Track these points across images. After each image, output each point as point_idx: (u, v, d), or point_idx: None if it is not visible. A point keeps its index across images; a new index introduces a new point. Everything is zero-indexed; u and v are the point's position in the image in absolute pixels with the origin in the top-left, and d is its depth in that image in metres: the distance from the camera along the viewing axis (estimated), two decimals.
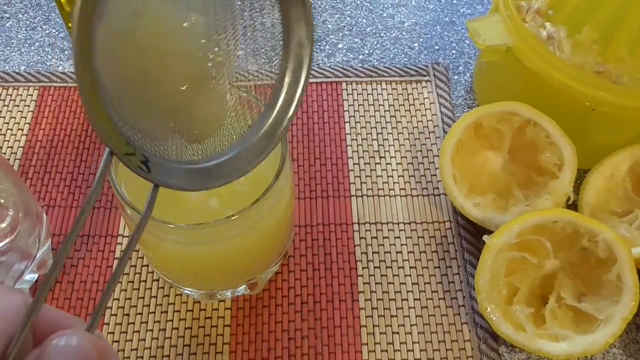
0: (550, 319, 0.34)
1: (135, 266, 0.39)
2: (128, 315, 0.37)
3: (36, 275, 0.37)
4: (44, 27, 0.50)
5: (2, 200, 0.36)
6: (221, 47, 0.26)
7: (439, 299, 0.38)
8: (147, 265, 0.39)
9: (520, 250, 0.36)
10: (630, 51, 0.37)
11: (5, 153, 0.44)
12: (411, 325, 0.37)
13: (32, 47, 0.49)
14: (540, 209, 0.38)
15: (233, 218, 0.29)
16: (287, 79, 0.28)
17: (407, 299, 0.38)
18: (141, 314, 0.37)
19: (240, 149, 0.27)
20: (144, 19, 0.23)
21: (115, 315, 0.37)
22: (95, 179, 0.22)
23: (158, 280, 0.39)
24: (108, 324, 0.37)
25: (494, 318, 0.34)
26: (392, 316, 0.38)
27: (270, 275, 0.38)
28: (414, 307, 0.38)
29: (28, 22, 0.51)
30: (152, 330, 0.37)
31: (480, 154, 0.41)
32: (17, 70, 0.47)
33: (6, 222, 0.35)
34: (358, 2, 0.53)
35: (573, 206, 0.39)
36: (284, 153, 0.31)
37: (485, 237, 0.36)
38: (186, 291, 0.37)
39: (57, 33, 0.50)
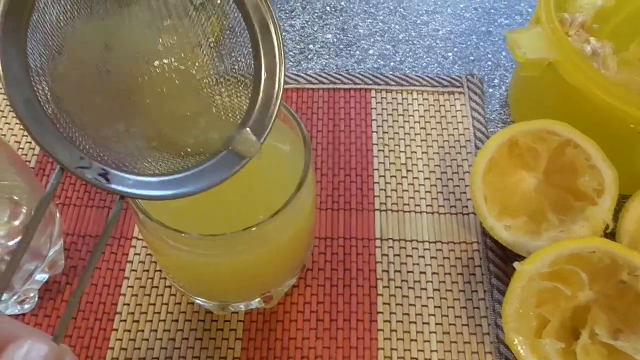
0: (582, 356, 0.32)
1: (147, 271, 0.38)
2: (138, 322, 0.36)
3: (47, 276, 0.36)
4: None
5: (17, 197, 0.35)
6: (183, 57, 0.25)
7: (462, 325, 0.36)
8: (160, 271, 0.38)
9: (553, 280, 0.33)
10: None
11: (23, 148, 0.43)
12: (431, 351, 0.35)
13: None
14: (575, 236, 0.35)
15: (250, 230, 0.28)
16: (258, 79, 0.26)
17: (428, 323, 0.36)
18: (151, 321, 0.36)
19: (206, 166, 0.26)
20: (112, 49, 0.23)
21: (125, 321, 0.36)
22: (46, 192, 0.22)
23: (170, 287, 0.37)
24: (117, 329, 0.36)
25: (522, 351, 0.32)
26: (411, 340, 0.36)
27: (286, 289, 0.37)
28: (435, 332, 0.36)
29: None
30: (161, 339, 0.36)
31: (514, 174, 0.39)
32: None
33: (19, 219, 0.34)
34: (392, 7, 0.51)
35: (611, 234, 0.37)
36: (307, 162, 0.30)
37: (515, 264, 0.34)
38: (198, 301, 0.36)
39: None
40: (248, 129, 0.26)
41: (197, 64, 0.25)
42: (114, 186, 0.24)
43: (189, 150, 0.26)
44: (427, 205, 0.41)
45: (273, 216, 0.28)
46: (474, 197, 0.37)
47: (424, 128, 0.44)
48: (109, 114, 0.24)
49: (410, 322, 0.36)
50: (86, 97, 0.24)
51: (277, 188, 0.30)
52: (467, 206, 0.40)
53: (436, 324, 0.36)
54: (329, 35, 0.49)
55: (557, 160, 0.37)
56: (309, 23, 0.50)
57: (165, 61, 0.25)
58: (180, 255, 0.31)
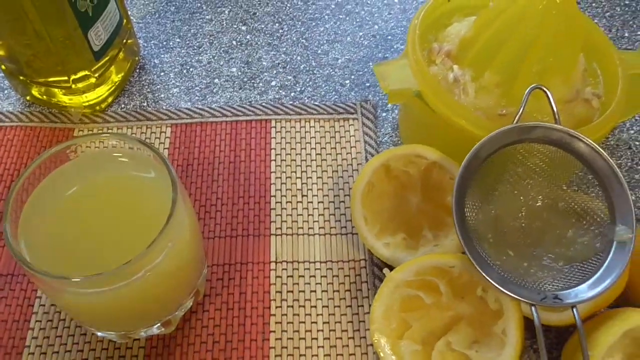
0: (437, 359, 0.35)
1: (54, 305, 0.40)
2: (45, 354, 0.39)
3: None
4: None
5: None
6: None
7: (349, 338, 0.39)
8: None
9: (416, 288, 0.36)
10: (531, 94, 0.38)
11: None
12: None
13: None
14: (446, 250, 0.39)
15: (125, 267, 0.30)
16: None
17: (316, 338, 0.39)
18: (58, 352, 0.39)
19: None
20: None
21: (33, 354, 0.39)
22: None
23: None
24: None
25: (381, 348, 0.35)
26: (301, 355, 0.39)
27: (182, 313, 0.39)
28: (322, 347, 0.39)
29: None
30: None
31: (395, 195, 0.42)
32: None
33: None
34: (294, 38, 0.54)
35: None
36: (175, 199, 0.32)
37: (385, 270, 0.37)
38: (99, 334, 0.39)
39: None
40: (620, 225, 0.35)
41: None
42: (565, 302, 0.33)
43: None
44: (319, 228, 0.44)
45: (144, 251, 0.31)
46: (354, 219, 0.40)
47: (320, 154, 0.47)
48: (523, 253, 0.36)
49: (300, 339, 0.39)
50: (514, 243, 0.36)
51: (153, 223, 0.33)
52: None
53: (324, 338, 0.39)
54: (234, 69, 0.52)
55: (428, 181, 0.41)
56: (216, 58, 0.53)
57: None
58: (68, 297, 0.33)
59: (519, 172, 0.38)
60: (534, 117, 0.38)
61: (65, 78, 0.45)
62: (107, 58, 0.47)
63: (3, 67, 0.47)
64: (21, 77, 0.47)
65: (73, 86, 0.46)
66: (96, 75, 0.46)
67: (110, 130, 0.48)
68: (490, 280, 0.33)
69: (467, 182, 0.35)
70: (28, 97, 0.49)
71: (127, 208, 0.35)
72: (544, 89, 0.36)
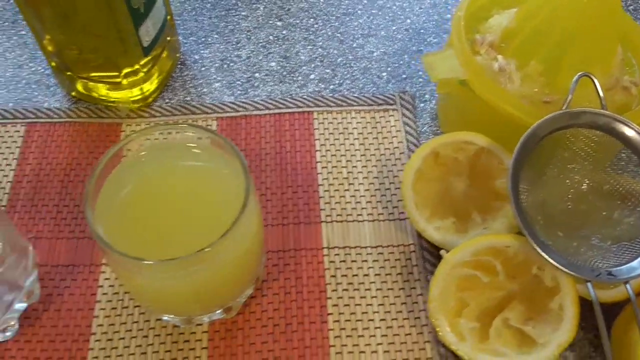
0: (494, 336, 0.37)
1: (117, 293, 0.41)
2: (111, 340, 0.40)
3: (25, 305, 0.40)
4: (30, 64, 0.53)
5: None
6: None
7: (404, 319, 0.41)
8: (129, 292, 0.42)
9: (473, 268, 0.38)
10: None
11: None
12: (377, 344, 0.40)
13: (19, 85, 0.52)
14: (496, 232, 0.40)
15: (202, 252, 0.32)
16: None
17: (373, 320, 0.41)
18: (124, 338, 0.40)
19: None
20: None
21: (100, 340, 0.40)
22: None
23: (139, 306, 0.41)
24: (92, 349, 0.39)
25: (440, 326, 0.37)
26: (359, 336, 0.40)
27: (244, 299, 0.41)
28: (380, 327, 0.40)
29: (15, 61, 0.53)
30: (134, 354, 0.39)
31: (443, 180, 0.43)
32: (4, 107, 0.50)
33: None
34: (330, 33, 0.56)
35: None
36: (248, 188, 0.34)
37: (442, 252, 0.39)
38: (164, 318, 0.40)
39: (42, 70, 0.53)
40: None
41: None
42: (619, 278, 0.35)
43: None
44: (368, 214, 0.45)
45: (221, 237, 0.32)
46: (405, 204, 0.42)
47: (363, 144, 0.49)
48: (572, 234, 0.38)
49: (357, 320, 0.41)
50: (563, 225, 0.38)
51: (224, 210, 0.34)
52: (403, 212, 0.45)
53: (380, 319, 0.41)
54: (273, 64, 0.53)
55: (477, 166, 0.42)
56: (254, 53, 0.54)
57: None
58: (141, 280, 0.35)
59: (565, 157, 0.39)
60: (578, 103, 0.40)
61: (116, 73, 0.46)
62: (154, 54, 0.48)
63: (53, 63, 0.48)
64: (68, 73, 0.48)
65: (123, 81, 0.47)
66: (144, 70, 0.48)
67: (157, 122, 0.49)
68: (549, 259, 0.35)
69: (520, 164, 0.37)
70: (73, 93, 0.50)
71: (199, 195, 0.36)
72: (592, 76, 0.38)
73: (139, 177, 0.36)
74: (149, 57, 0.47)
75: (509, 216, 0.40)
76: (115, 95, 0.49)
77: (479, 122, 0.43)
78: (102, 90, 0.49)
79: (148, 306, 0.39)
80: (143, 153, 0.36)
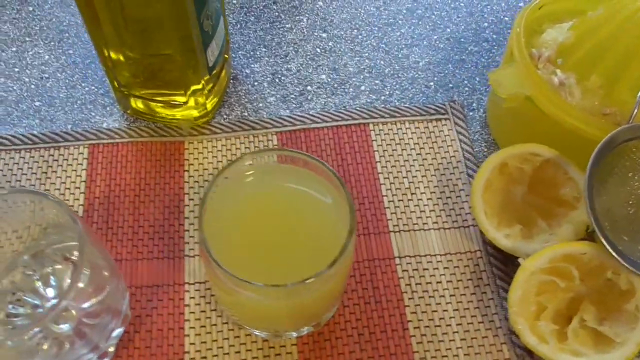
0: (572, 337, 0.40)
1: (204, 311, 0.43)
2: (205, 357, 0.41)
3: (122, 329, 0.41)
4: (82, 84, 0.54)
5: (74, 257, 0.39)
6: None
7: (479, 322, 0.43)
8: (215, 310, 0.43)
9: (550, 274, 0.41)
10: (633, 94, 0.43)
11: (69, 200, 0.47)
12: (457, 348, 0.42)
13: (75, 106, 0.52)
14: (562, 237, 0.43)
15: (309, 280, 0.33)
16: None
17: (450, 325, 0.43)
18: (217, 355, 0.41)
19: None
20: None
21: (194, 359, 0.41)
22: None
23: (227, 322, 0.43)
24: None
25: (522, 329, 0.39)
26: (439, 341, 0.43)
27: (332, 314, 0.42)
28: (457, 332, 0.43)
29: (67, 81, 0.54)
30: None
31: (506, 189, 0.46)
32: (65, 130, 0.50)
33: (83, 280, 0.38)
34: (374, 44, 0.57)
35: (591, 233, 0.44)
36: (352, 226, 0.35)
37: (520, 260, 0.41)
38: (255, 332, 0.42)
39: (96, 90, 0.53)
40: None
41: None
42: None
43: None
44: (433, 223, 0.47)
45: (328, 268, 0.34)
46: (475, 214, 0.44)
47: (420, 154, 0.51)
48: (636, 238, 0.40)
49: (435, 326, 0.43)
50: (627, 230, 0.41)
51: (327, 238, 0.36)
52: (466, 219, 0.47)
53: (457, 324, 0.43)
54: (323, 76, 0.55)
55: (539, 175, 0.45)
56: (304, 66, 0.55)
57: None
58: (242, 298, 0.36)
59: (627, 166, 0.42)
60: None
61: (182, 92, 0.47)
62: (215, 72, 0.49)
63: (115, 83, 0.48)
64: (127, 92, 0.49)
65: (190, 101, 0.48)
66: (208, 88, 0.48)
67: (218, 138, 0.50)
68: (628, 265, 0.37)
69: (593, 174, 0.39)
70: (129, 111, 0.51)
71: (303, 221, 0.38)
72: None
73: (245, 198, 0.38)
74: (212, 75, 0.48)
75: (574, 222, 0.43)
76: (175, 113, 0.50)
77: (542, 134, 0.45)
78: (161, 109, 0.50)
79: (242, 321, 0.41)
80: (249, 173, 0.38)
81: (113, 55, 0.45)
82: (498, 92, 0.44)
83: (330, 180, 0.37)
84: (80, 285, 0.37)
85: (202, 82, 0.48)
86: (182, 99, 0.48)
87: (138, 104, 0.50)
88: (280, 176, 0.39)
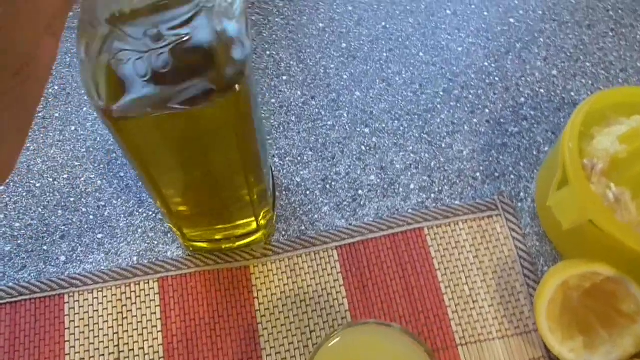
0: None
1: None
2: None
3: None
4: (140, 210, 0.55)
5: None
6: None
7: None
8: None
9: None
10: None
11: (148, 353, 0.49)
12: None
13: (137, 235, 0.54)
14: (626, 349, 0.45)
15: None
16: None
17: None
18: None
19: None
20: None
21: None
22: None
23: None
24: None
25: None
26: None
27: None
28: None
29: (124, 208, 0.55)
30: None
31: (566, 300, 0.48)
32: (132, 265, 0.52)
33: None
34: (417, 135, 0.58)
35: None
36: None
37: None
38: None
39: (154, 215, 0.54)
40: None
41: None
42: None
43: None
44: (497, 331, 0.50)
45: None
46: (542, 333, 0.46)
47: (476, 256, 0.52)
48: None
49: None
50: None
51: None
52: (527, 324, 0.50)
53: None
54: (372, 177, 0.56)
55: (600, 289, 0.47)
56: (352, 167, 0.56)
57: None
58: None
59: None
60: None
61: (253, 219, 0.48)
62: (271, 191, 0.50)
63: (178, 232, 0.49)
64: (185, 234, 0.50)
65: (262, 232, 0.49)
66: (270, 214, 0.50)
67: (281, 259, 0.52)
68: None
69: None
70: (191, 249, 0.52)
71: None
72: None
73: None
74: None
75: (635, 335, 0.45)
76: (241, 243, 0.51)
77: (602, 249, 0.47)
78: (227, 244, 0.51)
79: None
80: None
81: (174, 208, 0.46)
82: (564, 222, 0.45)
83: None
84: None
85: (267, 209, 0.49)
86: (253, 227, 0.49)
87: (202, 245, 0.51)
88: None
